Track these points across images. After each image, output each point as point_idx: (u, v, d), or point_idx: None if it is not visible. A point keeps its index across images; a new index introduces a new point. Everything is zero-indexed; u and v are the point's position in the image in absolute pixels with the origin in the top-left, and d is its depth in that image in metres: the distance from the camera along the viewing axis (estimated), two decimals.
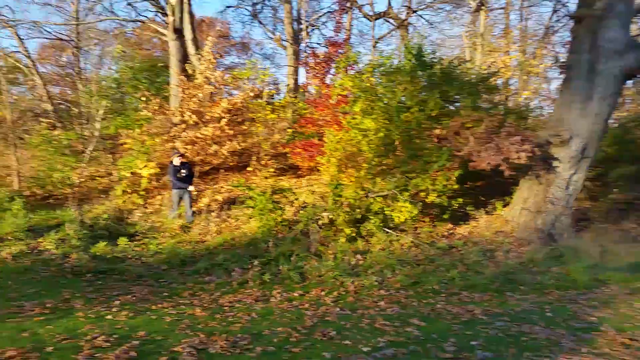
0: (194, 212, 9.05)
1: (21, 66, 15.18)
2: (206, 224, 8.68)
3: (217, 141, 10.07)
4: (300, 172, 10.98)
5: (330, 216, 7.94)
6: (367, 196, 8.10)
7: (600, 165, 10.85)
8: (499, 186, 9.34)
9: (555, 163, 8.40)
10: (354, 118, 8.73)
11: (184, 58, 12.17)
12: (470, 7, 17.49)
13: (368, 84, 9.34)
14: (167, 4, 12.44)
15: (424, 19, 19.87)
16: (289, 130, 11.29)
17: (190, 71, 10.97)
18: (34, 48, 30.45)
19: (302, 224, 7.97)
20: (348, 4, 16.48)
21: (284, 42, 17.56)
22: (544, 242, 8.09)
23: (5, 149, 11.31)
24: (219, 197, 9.66)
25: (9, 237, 7.62)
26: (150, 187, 9.98)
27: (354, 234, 7.74)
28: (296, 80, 16.07)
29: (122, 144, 10.77)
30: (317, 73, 11.78)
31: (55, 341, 3.78)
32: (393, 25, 20.28)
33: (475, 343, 3.98)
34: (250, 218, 8.62)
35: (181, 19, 12.20)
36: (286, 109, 12.49)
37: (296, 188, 10.04)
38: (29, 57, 14.98)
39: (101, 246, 7.50)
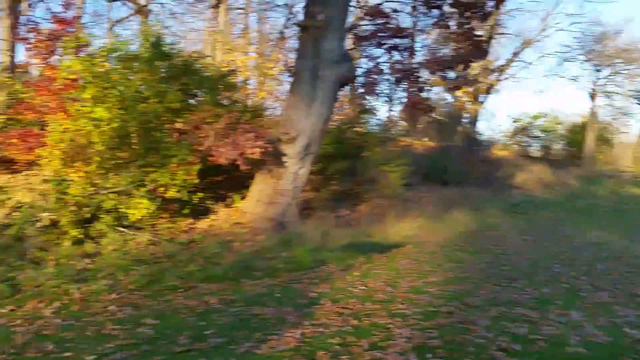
0: None
1: None
2: None
3: None
4: (16, 167, 9.21)
5: (53, 217, 6.92)
6: (98, 193, 7.38)
7: (321, 160, 12.57)
8: (238, 180, 9.80)
9: (284, 158, 9.31)
10: (84, 106, 7.81)
11: None
12: (209, 2, 17.82)
13: (101, 69, 8.48)
14: None
15: (166, 7, 19.37)
16: (2, 116, 9.39)
17: None
18: None
19: (15, 228, 6.72)
20: None
21: None
22: (276, 230, 8.89)
23: None
24: None
25: None
26: None
27: (81, 236, 6.92)
28: (12, 58, 13.44)
29: None
30: (39, 52, 10.11)
31: None
32: (132, 9, 19.06)
33: (209, 332, 4.06)
34: None
35: None
36: None
37: (10, 186, 8.38)
38: None
39: None
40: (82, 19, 14.07)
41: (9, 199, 7.77)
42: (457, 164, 19.43)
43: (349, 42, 17.57)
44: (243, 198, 9.59)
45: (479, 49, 18.63)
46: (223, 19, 17.36)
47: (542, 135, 32.06)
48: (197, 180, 8.16)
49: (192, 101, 9.69)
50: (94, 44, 10.18)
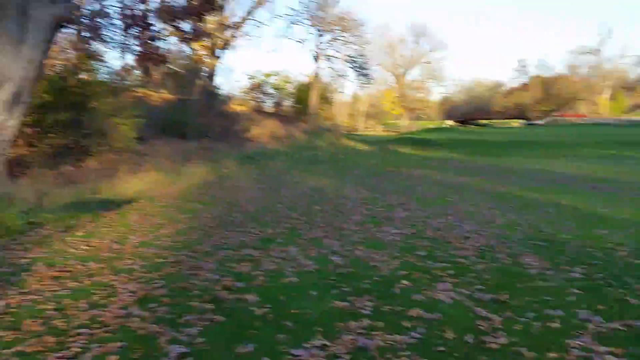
0: None
1: None
2: None
3: None
4: None
5: None
6: None
7: (37, 111, 10.83)
8: None
9: None
10: None
11: None
12: None
13: None
14: None
15: None
16: None
17: None
18: None
19: None
20: None
21: None
22: None
23: None
24: None
25: None
26: None
27: None
28: None
29: None
30: None
31: None
32: None
33: None
34: None
35: None
36: None
37: None
38: None
39: None
40: None
41: None
42: (196, 118, 19.53)
43: None
44: None
45: (211, 3, 18.68)
46: None
47: (274, 92, 34.98)
48: None
49: None
50: None
